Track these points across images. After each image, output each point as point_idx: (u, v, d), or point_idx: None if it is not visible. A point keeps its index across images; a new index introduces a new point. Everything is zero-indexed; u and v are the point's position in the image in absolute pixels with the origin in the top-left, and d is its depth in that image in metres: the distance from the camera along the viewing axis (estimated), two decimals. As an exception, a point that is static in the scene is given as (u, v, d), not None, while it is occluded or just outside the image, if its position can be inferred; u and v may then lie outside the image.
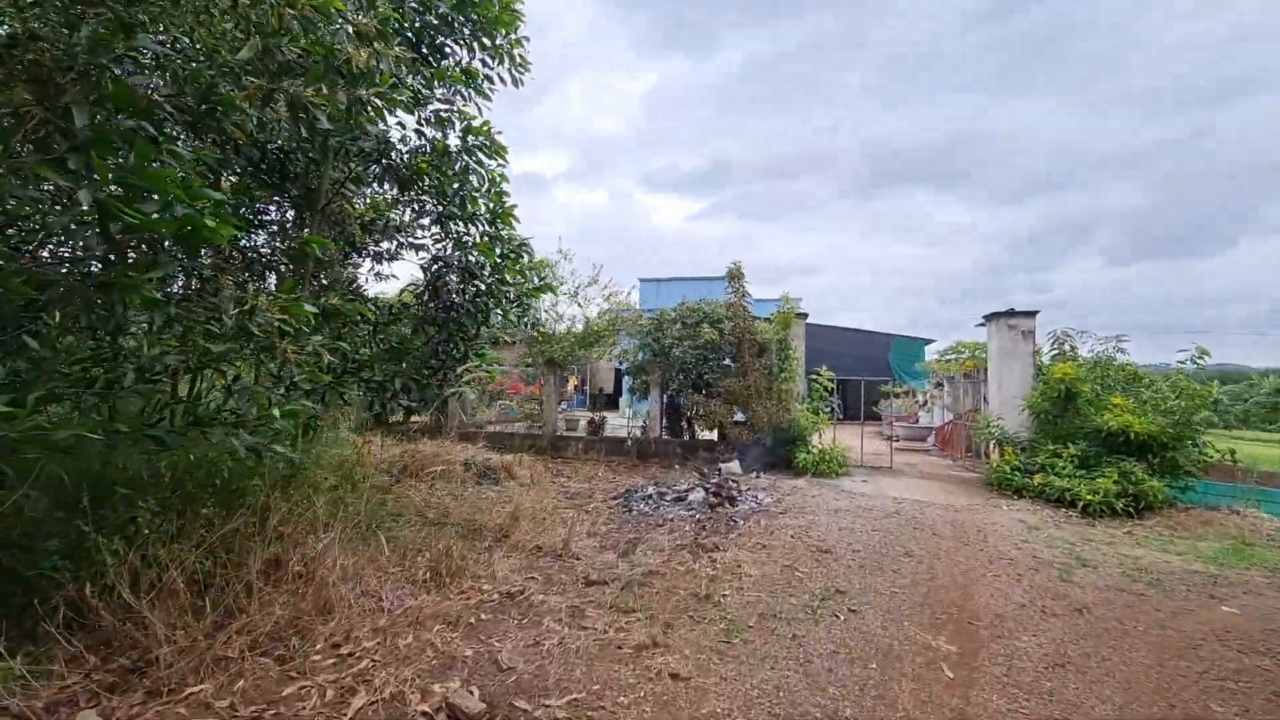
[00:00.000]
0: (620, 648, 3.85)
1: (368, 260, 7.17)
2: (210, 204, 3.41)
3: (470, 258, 5.99)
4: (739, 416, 12.10)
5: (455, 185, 5.74)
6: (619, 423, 15.72)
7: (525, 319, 13.77)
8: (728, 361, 12.22)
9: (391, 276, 13.17)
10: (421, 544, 5.65)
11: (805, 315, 12.47)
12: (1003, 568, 5.76)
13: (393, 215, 6.69)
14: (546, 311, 14.37)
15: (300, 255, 6.92)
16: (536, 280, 7.46)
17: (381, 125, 4.72)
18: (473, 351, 6.14)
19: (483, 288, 6.23)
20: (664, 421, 12.97)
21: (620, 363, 14.28)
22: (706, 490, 8.34)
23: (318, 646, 3.64)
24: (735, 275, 11.47)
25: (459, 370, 5.51)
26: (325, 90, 3.32)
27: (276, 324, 3.45)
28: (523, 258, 7.46)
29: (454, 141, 5.55)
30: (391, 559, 5.31)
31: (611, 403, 24.53)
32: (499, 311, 6.20)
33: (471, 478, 9.64)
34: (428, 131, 5.40)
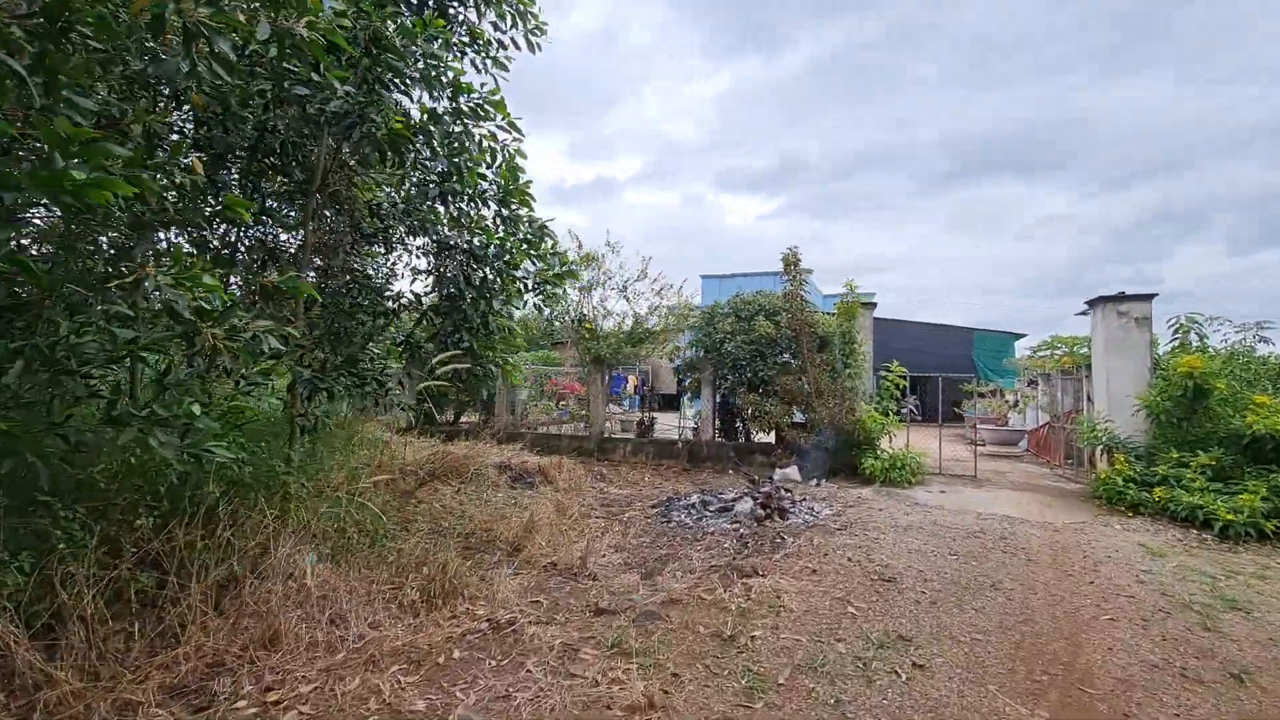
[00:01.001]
0: (609, 708, 3.04)
1: (394, 249, 6.69)
2: (118, 162, 2.89)
3: (475, 240, 5.34)
4: (798, 417, 11.02)
5: (447, 155, 5.11)
6: (675, 424, 14.88)
7: (554, 310, 13.23)
8: (786, 357, 11.16)
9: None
10: (423, 558, 5.05)
11: (872, 304, 11.24)
12: (1121, 608, 4.55)
13: (392, 195, 6.14)
14: (595, 307, 13.74)
15: (322, 245, 6.58)
16: (558, 266, 6.76)
17: (347, 87, 4.12)
18: (478, 343, 5.50)
19: (489, 274, 5.58)
20: (717, 423, 12.04)
21: (672, 360, 13.45)
22: (754, 500, 7.39)
23: (245, 689, 3.04)
24: (791, 263, 10.41)
25: (432, 362, 4.84)
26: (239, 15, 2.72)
27: (191, 303, 2.87)
28: (543, 241, 6.80)
29: (445, 105, 4.92)
30: (384, 576, 4.74)
31: (672, 403, 23.72)
32: (503, 299, 5.52)
33: (506, 482, 9.09)
34: (418, 94, 4.79)
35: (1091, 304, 9.88)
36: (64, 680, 2.79)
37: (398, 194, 6.17)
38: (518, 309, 6.81)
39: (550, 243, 6.84)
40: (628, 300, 13.48)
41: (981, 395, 16.97)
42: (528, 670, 3.41)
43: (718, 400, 11.90)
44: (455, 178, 5.28)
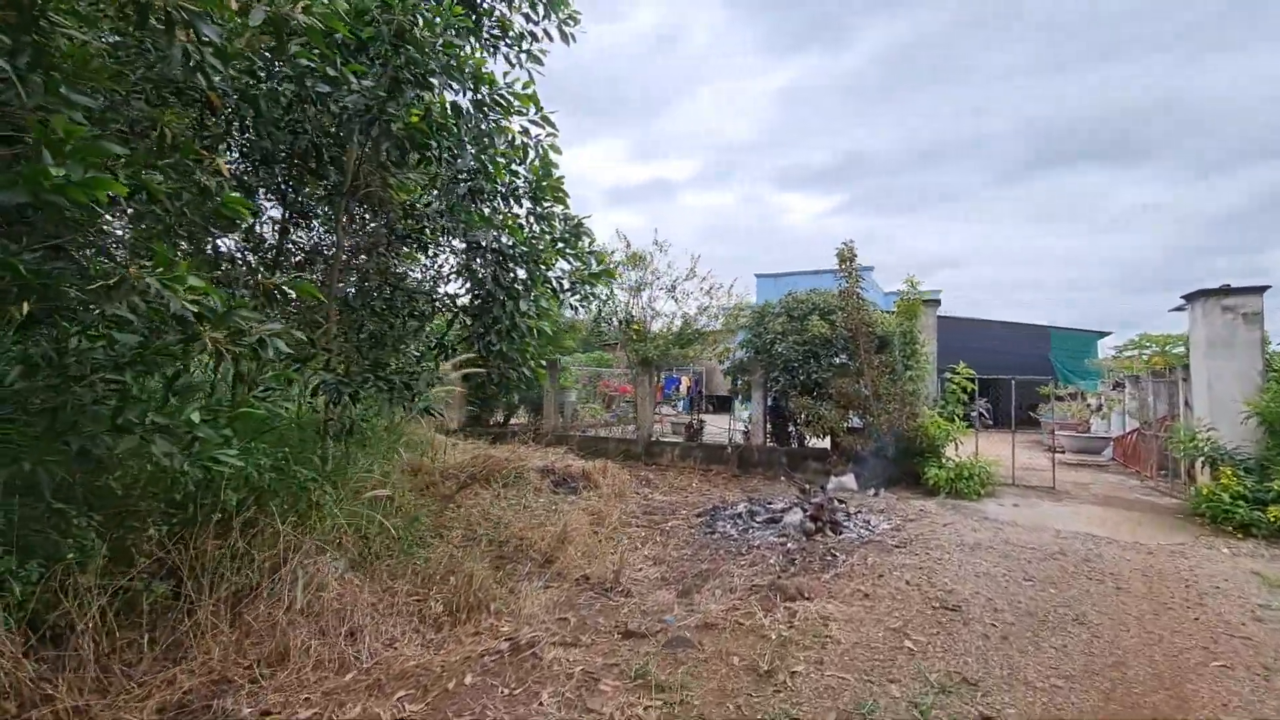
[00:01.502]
0: (623, 753, 2.73)
1: (429, 250, 6.60)
2: (118, 161, 2.79)
3: (503, 239, 5.14)
4: (855, 422, 10.41)
5: (474, 150, 4.91)
6: (726, 426, 14.41)
7: (594, 311, 12.98)
8: (842, 359, 10.56)
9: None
10: (451, 567, 4.87)
11: (936, 301, 10.50)
12: (1235, 653, 3.89)
13: (433, 195, 6.03)
14: (644, 307, 13.45)
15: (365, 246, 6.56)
16: (595, 265, 6.49)
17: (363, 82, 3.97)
18: (506, 346, 5.28)
19: (520, 273, 5.36)
20: (768, 427, 11.53)
21: (721, 361, 13.01)
22: (804, 511, 6.92)
23: (243, 713, 2.89)
24: (846, 257, 9.81)
25: (445, 366, 4.62)
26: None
27: (186, 306, 2.74)
28: (580, 240, 6.55)
29: (468, 98, 4.72)
30: (410, 586, 4.58)
31: (725, 405, 23.18)
32: (530, 300, 5.29)
33: (548, 486, 8.92)
34: (440, 88, 4.61)
35: (1190, 299, 8.86)
36: (61, 697, 2.70)
37: (432, 194, 6.06)
38: (550, 310, 6.58)
39: (587, 241, 6.60)
40: (675, 300, 13.14)
41: (1060, 399, 15.71)
42: (541, 703, 3.13)
43: (768, 403, 11.40)
44: (482, 174, 5.09)
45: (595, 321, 13.52)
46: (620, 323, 12.92)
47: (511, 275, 5.27)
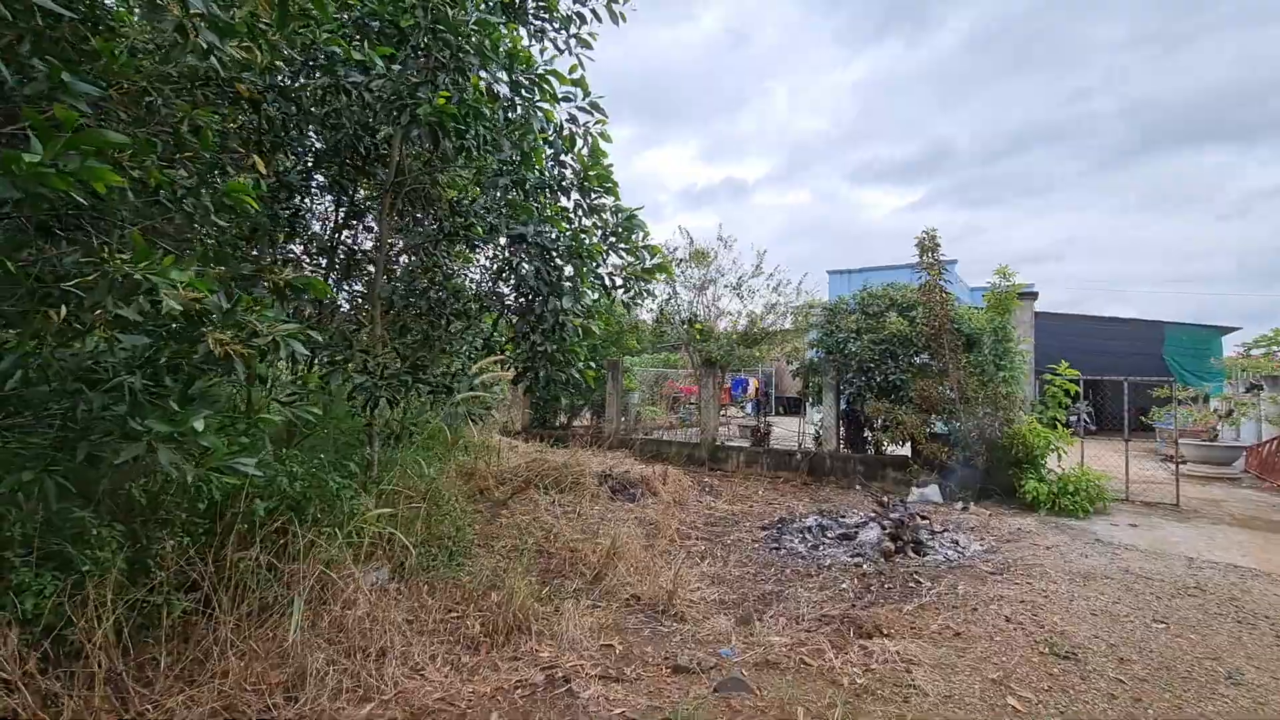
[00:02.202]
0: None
1: (476, 246, 6.40)
2: (123, 150, 2.61)
3: (546, 231, 4.81)
4: (939, 428, 9.51)
5: (516, 136, 4.60)
6: (795, 430, 13.66)
7: (660, 309, 12.52)
8: (924, 358, 9.69)
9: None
10: (494, 581, 4.59)
11: (1032, 294, 9.45)
12: None
13: (485, 191, 5.79)
14: (709, 306, 12.94)
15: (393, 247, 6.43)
16: (649, 259, 6.08)
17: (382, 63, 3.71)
18: (551, 344, 4.94)
19: (567, 269, 5.02)
20: (841, 432, 10.76)
21: (789, 362, 12.32)
22: (883, 528, 6.24)
23: (245, 750, 2.65)
24: (928, 247, 8.95)
25: (472, 369, 4.28)
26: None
27: (186, 305, 2.52)
28: (633, 233, 6.16)
29: (504, 80, 4.41)
30: (448, 602, 4.33)
31: (796, 408, 22.25)
32: (574, 297, 4.92)
33: (606, 493, 8.59)
34: (478, 72, 4.32)
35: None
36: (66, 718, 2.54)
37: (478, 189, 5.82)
38: (600, 307, 6.21)
39: (640, 235, 6.19)
40: (741, 298, 12.56)
41: (1180, 402, 13.97)
42: (571, 754, 2.74)
43: (841, 407, 10.63)
44: (523, 163, 4.78)
45: (657, 321, 13.13)
46: (683, 322, 12.47)
47: (556, 271, 4.93)
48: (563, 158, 5.54)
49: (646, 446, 12.48)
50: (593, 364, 6.06)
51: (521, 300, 5.15)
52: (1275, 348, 16.70)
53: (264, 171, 4.27)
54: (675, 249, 12.71)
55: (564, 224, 4.98)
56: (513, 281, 5.39)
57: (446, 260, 6.30)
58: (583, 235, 5.76)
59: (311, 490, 4.09)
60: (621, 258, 6.18)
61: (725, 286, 12.69)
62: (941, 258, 9.01)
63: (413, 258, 6.11)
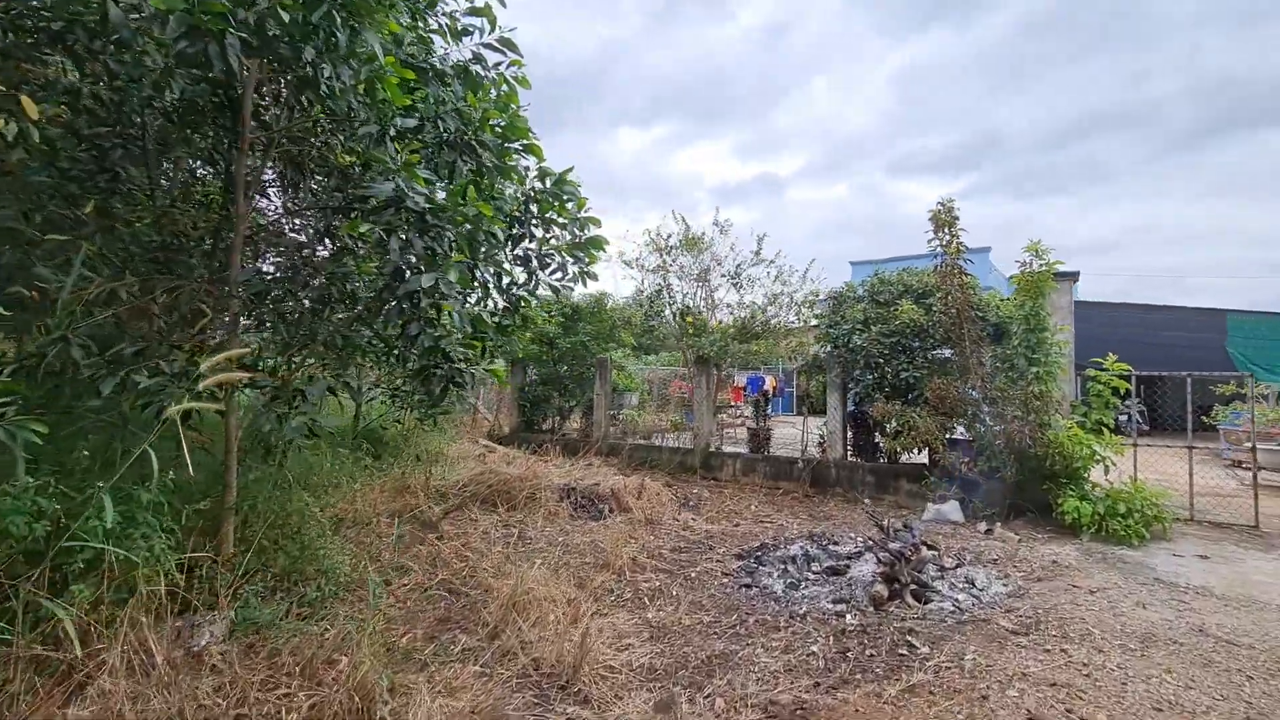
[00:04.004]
0: None
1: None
2: None
3: (414, 193, 3.71)
4: (960, 433, 8.16)
5: (355, 65, 3.51)
6: (801, 434, 12.32)
7: (649, 303, 11.28)
8: (944, 352, 8.35)
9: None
10: (342, 645, 3.53)
11: (1072, 275, 8.03)
12: None
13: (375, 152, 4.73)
14: (705, 298, 11.72)
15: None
16: (579, 231, 4.97)
17: None
18: (431, 338, 3.85)
19: (448, 242, 3.92)
20: (848, 437, 9.46)
21: (792, 358, 11.03)
22: (880, 561, 4.99)
23: None
24: (944, 222, 7.59)
25: (202, 368, 3.14)
26: None
27: None
28: (566, 201, 5.06)
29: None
30: (276, 675, 3.30)
31: (820, 409, 20.77)
32: (447, 278, 3.79)
33: (567, 510, 7.49)
34: None
35: None
36: None
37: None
38: (505, 289, 5.11)
39: (574, 203, 5.08)
40: (738, 289, 11.32)
41: (1245, 400, 12.20)
42: None
43: (848, 409, 9.33)
44: (370, 103, 3.71)
45: (646, 315, 11.98)
46: (675, 316, 11.30)
47: (433, 243, 3.83)
48: (460, 106, 4.44)
49: (636, 452, 11.35)
50: (507, 363, 4.94)
51: (383, 279, 4.05)
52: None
53: (36, 116, 3.30)
54: (670, 235, 11.57)
55: (422, 179, 3.87)
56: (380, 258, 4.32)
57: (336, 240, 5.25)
58: (496, 202, 4.67)
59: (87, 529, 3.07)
60: (552, 230, 5.08)
61: (722, 276, 11.49)
62: (961, 240, 7.64)
63: (303, 230, 5.10)
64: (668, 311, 11.43)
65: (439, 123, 4.21)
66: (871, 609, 4.38)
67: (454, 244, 3.85)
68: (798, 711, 3.06)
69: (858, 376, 8.89)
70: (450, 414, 9.18)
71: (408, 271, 3.65)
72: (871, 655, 3.68)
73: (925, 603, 4.48)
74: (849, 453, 9.42)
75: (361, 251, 4.74)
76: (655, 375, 16.03)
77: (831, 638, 3.99)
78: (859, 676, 3.45)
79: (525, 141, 4.75)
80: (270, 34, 3.06)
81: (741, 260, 11.23)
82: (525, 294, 5.28)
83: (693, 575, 5.49)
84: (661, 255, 11.46)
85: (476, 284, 4.58)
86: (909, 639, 3.86)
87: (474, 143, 4.35)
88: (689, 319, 10.91)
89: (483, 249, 4.14)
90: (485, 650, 3.87)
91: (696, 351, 10.77)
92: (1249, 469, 10.02)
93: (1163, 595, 4.66)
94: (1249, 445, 10.11)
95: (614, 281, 40.06)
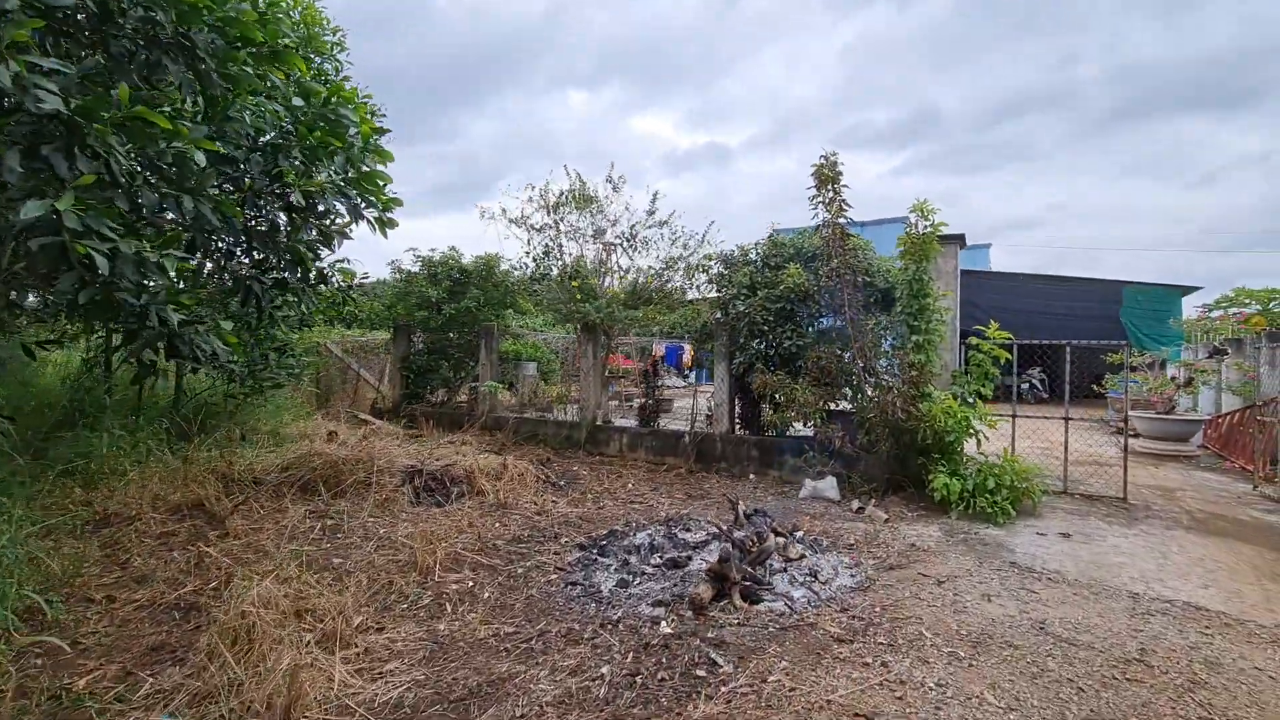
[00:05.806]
0: None
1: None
2: None
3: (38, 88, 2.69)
4: (845, 405, 7.74)
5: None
6: (690, 407, 11.77)
7: (537, 263, 10.35)
8: (834, 321, 7.86)
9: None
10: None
11: (956, 238, 7.61)
12: None
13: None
14: (598, 261, 10.87)
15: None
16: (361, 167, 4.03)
17: None
18: (69, 283, 2.89)
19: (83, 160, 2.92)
20: (735, 410, 8.94)
21: (681, 329, 10.38)
22: (717, 554, 4.38)
23: None
24: (827, 178, 6.97)
25: None
26: None
27: None
28: (342, 123, 4.11)
29: None
30: None
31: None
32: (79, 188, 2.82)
33: (409, 495, 6.64)
34: None
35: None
36: None
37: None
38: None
39: (358, 130, 4.12)
40: (632, 252, 10.55)
41: (1134, 368, 12.46)
42: None
43: (734, 379, 8.78)
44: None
45: (532, 277, 11.07)
46: (558, 279, 10.43)
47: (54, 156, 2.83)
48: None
49: (524, 426, 10.55)
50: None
51: None
52: (1236, 309, 15.35)
53: None
54: (562, 193, 10.62)
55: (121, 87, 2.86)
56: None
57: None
58: (233, 124, 3.69)
59: None
60: (312, 164, 4.12)
61: (616, 238, 10.67)
62: (845, 189, 7.06)
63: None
64: (554, 274, 10.55)
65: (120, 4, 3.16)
66: (690, 614, 3.77)
67: (113, 167, 2.85)
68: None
69: (744, 345, 8.32)
70: (282, 386, 8.09)
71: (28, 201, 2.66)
72: (663, 680, 3.05)
73: (755, 603, 3.91)
74: (736, 426, 8.92)
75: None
76: (561, 344, 15.15)
77: (631, 654, 3.35)
78: (636, 711, 2.81)
79: (274, 46, 3.74)
80: None
81: (636, 221, 10.46)
82: (301, 247, 4.32)
83: (519, 572, 4.78)
84: (550, 213, 10.53)
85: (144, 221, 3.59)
86: (714, 654, 3.26)
87: (183, 40, 3.32)
88: (575, 283, 10.07)
89: (170, 173, 3.16)
90: (182, 690, 3.03)
91: (583, 318, 9.97)
92: (1135, 436, 10.15)
93: (1013, 583, 4.26)
94: (1136, 415, 10.21)
95: (499, 242, 38.74)
